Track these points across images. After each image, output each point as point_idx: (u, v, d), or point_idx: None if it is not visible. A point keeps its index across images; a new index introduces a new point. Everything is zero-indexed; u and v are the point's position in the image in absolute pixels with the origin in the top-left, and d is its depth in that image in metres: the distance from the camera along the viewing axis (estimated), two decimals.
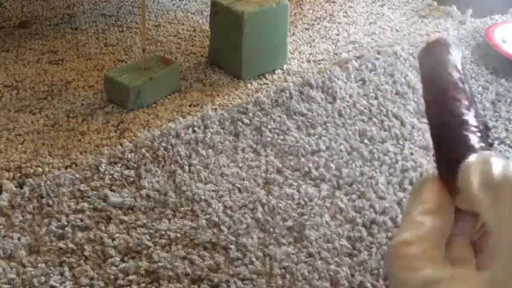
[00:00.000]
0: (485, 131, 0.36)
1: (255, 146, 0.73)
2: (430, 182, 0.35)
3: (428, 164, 0.71)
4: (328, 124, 0.77)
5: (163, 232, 0.60)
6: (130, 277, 0.55)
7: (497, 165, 0.31)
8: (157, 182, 0.66)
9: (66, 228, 0.60)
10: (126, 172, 0.68)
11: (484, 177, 0.31)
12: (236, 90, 0.86)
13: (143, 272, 0.56)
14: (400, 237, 0.33)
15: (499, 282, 0.27)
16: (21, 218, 0.61)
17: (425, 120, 0.79)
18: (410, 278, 0.32)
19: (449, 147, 0.35)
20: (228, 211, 0.63)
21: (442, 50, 0.38)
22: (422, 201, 0.35)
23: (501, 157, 0.32)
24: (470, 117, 0.36)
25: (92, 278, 0.55)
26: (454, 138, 0.35)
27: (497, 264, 0.28)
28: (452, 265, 0.33)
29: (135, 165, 0.69)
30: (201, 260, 0.57)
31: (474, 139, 0.35)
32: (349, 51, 0.97)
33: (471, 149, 0.34)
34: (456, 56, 0.38)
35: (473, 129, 0.35)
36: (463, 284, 0.29)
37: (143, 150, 0.71)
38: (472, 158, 0.33)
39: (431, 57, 0.38)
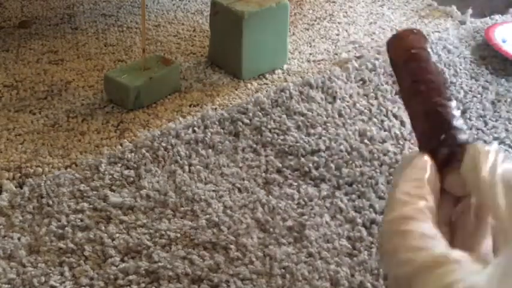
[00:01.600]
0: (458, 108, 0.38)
1: (254, 146, 0.73)
2: (423, 158, 0.35)
3: None
4: (328, 124, 0.77)
5: (163, 232, 0.60)
6: (130, 277, 0.55)
7: (506, 157, 0.31)
8: (157, 182, 0.66)
9: (66, 228, 0.60)
10: (126, 172, 0.68)
11: (500, 169, 0.31)
12: (236, 90, 0.86)
13: (143, 272, 0.56)
14: (398, 212, 0.32)
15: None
16: (21, 218, 0.61)
17: None
18: (416, 256, 0.30)
19: (431, 124, 0.36)
20: (228, 211, 0.63)
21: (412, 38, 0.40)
22: (417, 176, 0.34)
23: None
24: (444, 99, 0.37)
25: (92, 278, 0.55)
26: (436, 123, 0.36)
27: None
28: None
29: (135, 165, 0.69)
30: (201, 260, 0.57)
31: (455, 119, 0.36)
32: (349, 51, 0.97)
33: (451, 126, 0.36)
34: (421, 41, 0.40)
35: (450, 109, 0.37)
36: (478, 272, 0.28)
37: (143, 150, 0.71)
38: (477, 145, 0.33)
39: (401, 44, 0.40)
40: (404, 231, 0.31)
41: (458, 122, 0.36)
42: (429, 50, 0.40)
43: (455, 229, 0.35)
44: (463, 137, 0.36)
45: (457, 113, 0.37)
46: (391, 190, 0.35)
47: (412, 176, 0.34)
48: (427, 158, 0.35)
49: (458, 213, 0.35)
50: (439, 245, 0.30)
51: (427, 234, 0.31)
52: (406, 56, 0.40)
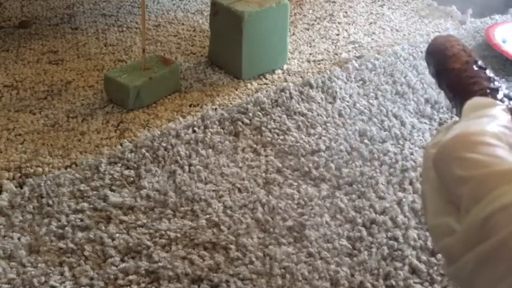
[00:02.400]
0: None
1: (255, 146, 0.73)
2: (497, 104, 0.33)
3: None
4: (328, 124, 0.77)
5: (163, 232, 0.60)
6: (131, 277, 0.55)
7: None
8: (157, 182, 0.66)
9: (66, 228, 0.60)
10: (126, 172, 0.68)
11: None
12: (236, 90, 0.86)
13: (143, 272, 0.56)
14: (473, 127, 0.29)
15: None
16: (21, 218, 0.61)
17: (425, 120, 0.79)
18: (494, 161, 0.27)
19: (479, 83, 0.38)
20: (228, 211, 0.63)
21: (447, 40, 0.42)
22: (491, 116, 0.31)
23: None
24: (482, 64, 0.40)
25: (92, 278, 0.55)
26: (478, 73, 0.38)
27: None
28: None
29: (135, 165, 0.69)
30: (201, 260, 0.57)
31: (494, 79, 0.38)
32: (349, 51, 0.97)
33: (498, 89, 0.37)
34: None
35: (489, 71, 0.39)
36: None
37: (143, 150, 0.71)
38: None
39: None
40: (480, 139, 0.29)
41: (498, 82, 0.38)
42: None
43: None
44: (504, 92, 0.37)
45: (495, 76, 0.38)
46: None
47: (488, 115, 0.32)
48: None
49: None
50: None
51: (504, 147, 0.29)
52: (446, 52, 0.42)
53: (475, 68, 0.39)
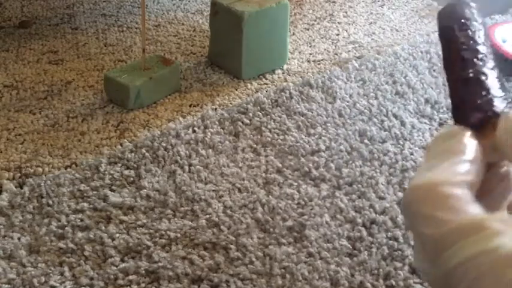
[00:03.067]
0: (501, 79, 0.38)
1: (255, 146, 0.73)
2: (463, 133, 0.33)
3: None
4: (328, 124, 0.77)
5: (163, 232, 0.60)
6: (130, 277, 0.55)
7: None
8: (157, 182, 0.66)
9: (66, 228, 0.60)
10: (126, 172, 0.68)
11: None
12: (236, 90, 0.86)
13: (143, 272, 0.56)
14: (435, 176, 0.30)
15: None
16: (21, 218, 0.61)
17: (425, 120, 0.79)
18: (453, 218, 0.28)
19: (472, 98, 0.36)
20: (228, 211, 0.63)
21: (460, 8, 0.40)
22: (456, 152, 0.32)
23: None
24: (487, 69, 0.37)
25: (92, 278, 0.55)
26: (475, 89, 0.36)
27: None
28: None
29: (135, 165, 0.69)
30: (201, 260, 0.57)
31: (495, 87, 0.36)
32: (349, 51, 0.97)
33: (493, 99, 0.35)
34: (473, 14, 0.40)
35: (492, 78, 0.37)
36: None
37: (143, 150, 0.71)
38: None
39: (449, 16, 0.40)
40: (440, 192, 0.30)
41: (497, 91, 0.36)
42: (480, 21, 0.40)
43: (482, 194, 0.34)
44: (500, 105, 0.35)
45: (498, 83, 0.37)
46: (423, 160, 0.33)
47: (453, 151, 0.32)
48: (470, 133, 0.33)
49: (489, 179, 0.35)
50: (477, 209, 0.29)
51: (466, 199, 0.30)
52: (457, 25, 0.40)
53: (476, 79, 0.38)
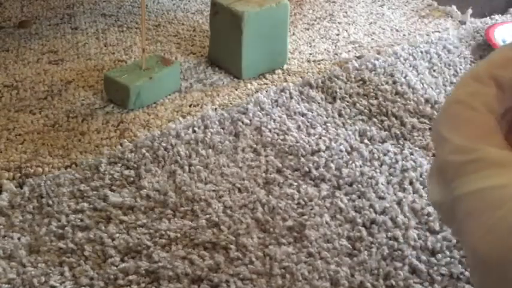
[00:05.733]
0: None
1: (255, 146, 0.73)
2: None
3: (428, 164, 0.71)
4: (328, 124, 0.77)
5: (163, 232, 0.60)
6: (130, 277, 0.55)
7: None
8: (157, 182, 0.66)
9: (66, 228, 0.60)
10: (126, 172, 0.68)
11: None
12: (236, 90, 0.86)
13: (143, 272, 0.56)
14: (464, 95, 0.31)
15: None
16: (21, 218, 0.61)
17: (425, 120, 0.79)
18: (474, 147, 0.30)
19: None
20: (228, 211, 0.63)
21: None
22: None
23: None
24: None
25: (92, 278, 0.55)
26: None
27: None
28: None
29: (135, 165, 0.69)
30: (201, 260, 0.57)
31: None
32: (349, 51, 0.97)
33: None
34: None
35: None
36: None
37: (143, 150, 0.71)
38: None
39: None
40: (469, 117, 0.31)
41: None
42: None
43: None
44: None
45: None
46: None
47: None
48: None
49: None
50: (499, 141, 0.30)
51: (492, 127, 0.30)
52: None
53: None
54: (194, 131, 0.75)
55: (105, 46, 0.95)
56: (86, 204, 0.63)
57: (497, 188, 0.28)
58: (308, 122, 0.77)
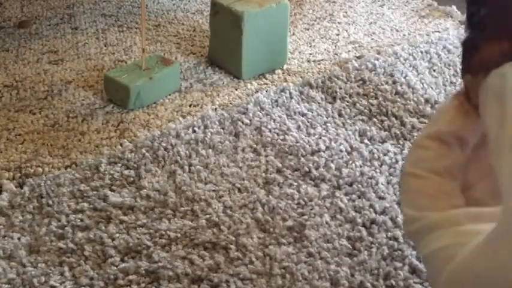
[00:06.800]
0: None
1: (255, 146, 0.73)
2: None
3: None
4: (328, 124, 0.77)
5: (163, 232, 0.60)
6: (130, 277, 0.55)
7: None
8: (157, 182, 0.66)
9: (66, 228, 0.60)
10: (126, 172, 0.68)
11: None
12: (236, 90, 0.86)
13: (143, 272, 0.56)
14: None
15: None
16: (21, 218, 0.61)
17: (425, 120, 0.79)
18: (426, 215, 0.36)
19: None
20: (228, 211, 0.63)
21: None
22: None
23: None
24: None
25: (92, 278, 0.55)
26: None
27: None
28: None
29: (135, 165, 0.69)
30: (201, 260, 0.57)
31: None
32: (349, 51, 0.97)
33: None
34: None
35: None
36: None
37: (143, 150, 0.71)
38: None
39: None
40: (415, 188, 0.36)
41: None
42: None
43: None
44: None
45: None
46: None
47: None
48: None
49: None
50: (443, 201, 0.34)
51: (436, 191, 0.35)
52: None
53: None
54: (194, 131, 0.75)
55: (105, 46, 0.95)
56: (86, 204, 0.63)
57: (442, 249, 0.33)
58: (308, 122, 0.77)
